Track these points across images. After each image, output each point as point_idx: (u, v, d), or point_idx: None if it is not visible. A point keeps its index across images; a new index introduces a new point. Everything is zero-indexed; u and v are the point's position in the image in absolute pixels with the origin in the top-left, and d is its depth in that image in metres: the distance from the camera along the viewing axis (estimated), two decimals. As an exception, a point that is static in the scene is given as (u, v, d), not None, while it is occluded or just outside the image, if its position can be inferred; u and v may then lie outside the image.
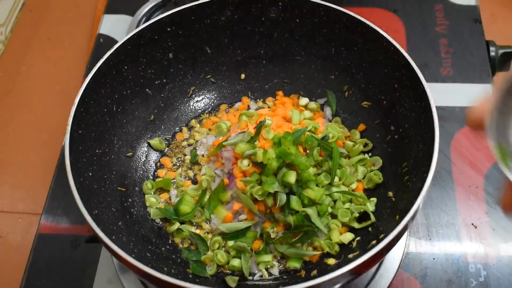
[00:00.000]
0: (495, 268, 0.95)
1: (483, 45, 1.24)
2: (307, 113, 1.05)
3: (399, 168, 0.94)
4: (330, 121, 1.07)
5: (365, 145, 1.01)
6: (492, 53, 1.23)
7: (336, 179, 0.95)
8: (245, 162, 0.93)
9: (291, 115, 1.02)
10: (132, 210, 0.96)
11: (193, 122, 1.10)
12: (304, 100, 1.08)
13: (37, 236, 1.04)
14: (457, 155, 1.09)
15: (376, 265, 0.96)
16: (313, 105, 1.07)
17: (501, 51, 1.23)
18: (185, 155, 1.06)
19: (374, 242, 0.85)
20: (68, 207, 1.06)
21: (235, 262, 0.90)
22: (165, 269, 0.89)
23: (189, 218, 0.95)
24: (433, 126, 0.83)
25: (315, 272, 0.88)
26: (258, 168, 0.93)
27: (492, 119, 0.58)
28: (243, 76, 1.12)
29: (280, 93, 1.11)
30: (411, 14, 1.32)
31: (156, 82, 1.06)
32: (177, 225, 0.95)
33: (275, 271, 0.91)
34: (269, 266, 0.91)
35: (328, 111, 1.07)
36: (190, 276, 0.89)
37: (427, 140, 0.84)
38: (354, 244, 0.90)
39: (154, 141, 1.05)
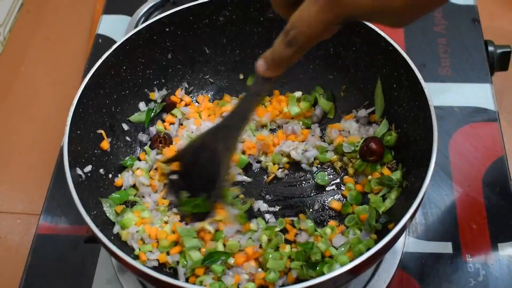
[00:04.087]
0: (494, 268, 0.95)
1: (482, 44, 1.24)
2: (296, 109, 1.06)
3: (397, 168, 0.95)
4: (320, 120, 1.07)
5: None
6: (491, 53, 1.23)
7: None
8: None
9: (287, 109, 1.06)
10: (131, 210, 0.96)
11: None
12: (297, 93, 1.09)
13: (36, 236, 1.03)
14: (455, 155, 1.09)
15: (375, 265, 0.96)
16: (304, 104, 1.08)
17: (499, 51, 1.23)
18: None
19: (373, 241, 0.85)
20: (66, 207, 1.06)
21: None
22: (164, 269, 0.89)
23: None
24: (431, 125, 0.83)
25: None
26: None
27: None
28: (241, 76, 1.12)
29: (277, 92, 1.11)
30: (410, 14, 1.32)
31: (155, 83, 1.06)
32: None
33: None
34: None
35: (318, 110, 1.07)
36: (189, 276, 0.89)
37: (425, 139, 0.84)
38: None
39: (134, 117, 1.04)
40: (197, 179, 0.86)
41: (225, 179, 0.83)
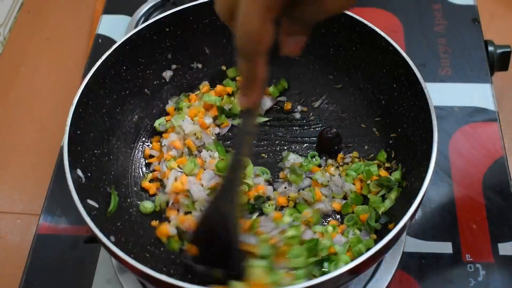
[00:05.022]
0: (494, 268, 0.95)
1: (482, 44, 1.24)
2: None
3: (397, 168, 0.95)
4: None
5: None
6: (491, 53, 1.23)
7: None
8: None
9: None
10: (130, 210, 0.96)
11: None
12: None
13: (36, 236, 1.03)
14: (455, 155, 1.08)
15: (375, 265, 0.96)
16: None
17: (499, 51, 1.23)
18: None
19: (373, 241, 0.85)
20: (67, 207, 1.06)
21: None
22: (164, 269, 0.89)
23: None
24: (431, 126, 0.83)
25: (314, 272, 0.88)
26: None
27: None
28: (241, 76, 1.12)
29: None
30: (410, 14, 1.32)
31: (155, 83, 1.06)
32: None
33: None
34: None
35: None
36: (189, 276, 0.89)
37: (425, 140, 0.84)
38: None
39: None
40: (215, 250, 0.80)
41: (239, 243, 0.78)
